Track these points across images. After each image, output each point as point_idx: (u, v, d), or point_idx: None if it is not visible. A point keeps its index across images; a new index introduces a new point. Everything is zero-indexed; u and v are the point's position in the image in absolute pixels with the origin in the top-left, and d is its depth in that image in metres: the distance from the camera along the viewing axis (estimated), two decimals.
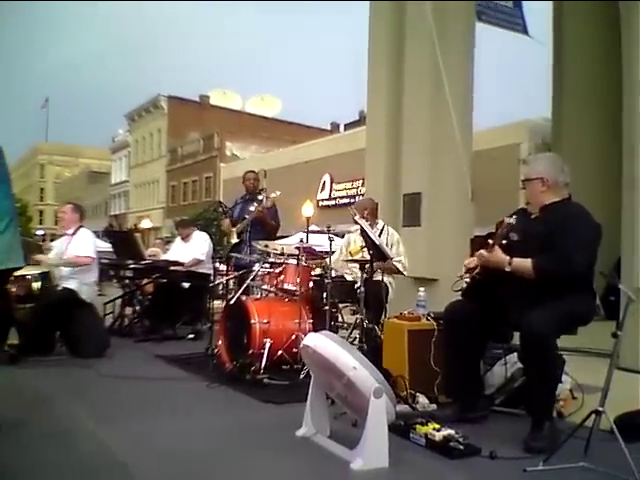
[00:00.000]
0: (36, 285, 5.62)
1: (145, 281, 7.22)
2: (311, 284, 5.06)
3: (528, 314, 3.05)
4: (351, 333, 5.00)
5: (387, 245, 5.33)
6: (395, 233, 5.77)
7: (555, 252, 3.15)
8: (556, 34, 9.96)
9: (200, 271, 7.07)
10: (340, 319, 5.36)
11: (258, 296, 5.53)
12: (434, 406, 3.75)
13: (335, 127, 42.57)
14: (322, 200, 26.78)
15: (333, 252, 5.09)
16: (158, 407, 3.91)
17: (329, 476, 2.80)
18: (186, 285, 7.05)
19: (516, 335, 3.35)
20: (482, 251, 3.36)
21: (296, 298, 4.94)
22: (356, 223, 4.87)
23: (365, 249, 4.71)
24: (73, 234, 5.73)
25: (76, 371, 4.91)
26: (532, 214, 3.47)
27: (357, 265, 4.89)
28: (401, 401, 3.61)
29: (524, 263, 3.19)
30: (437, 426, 3.10)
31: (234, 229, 6.75)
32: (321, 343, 3.04)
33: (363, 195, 11.68)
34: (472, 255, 3.59)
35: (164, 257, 7.91)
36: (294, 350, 4.60)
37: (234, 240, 6.71)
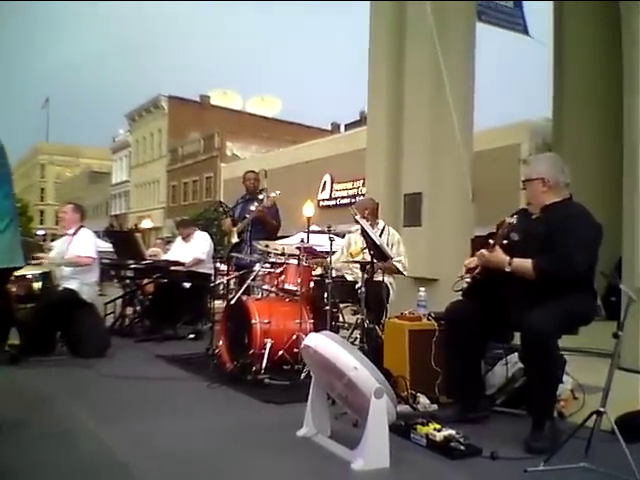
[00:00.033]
0: (37, 285, 5.62)
1: (146, 281, 7.22)
2: (312, 284, 5.06)
3: (529, 314, 3.05)
4: (352, 333, 5.00)
5: (388, 245, 5.33)
6: (396, 233, 5.77)
7: (556, 252, 3.15)
8: (557, 34, 9.95)
9: (201, 271, 7.08)
10: (341, 319, 5.35)
11: (259, 296, 5.53)
12: (435, 406, 3.75)
13: (335, 127, 42.56)
14: (323, 200, 26.78)
15: (334, 252, 5.09)
16: (159, 407, 3.91)
17: (330, 476, 2.80)
18: (187, 285, 7.05)
19: (517, 335, 3.35)
20: (482, 251, 3.36)
21: (297, 298, 4.93)
22: (357, 223, 4.87)
23: (366, 251, 4.70)
24: (74, 234, 5.73)
25: (77, 371, 4.91)
26: (533, 214, 3.47)
27: (358, 265, 4.89)
28: (402, 401, 3.61)
29: (524, 263, 3.19)
30: (438, 426, 3.10)
31: (235, 229, 6.75)
32: (322, 343, 3.04)
33: (364, 195, 11.68)
34: (473, 255, 3.59)
35: (165, 257, 7.91)
36: (295, 350, 4.60)
37: (235, 240, 6.71)
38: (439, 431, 3.05)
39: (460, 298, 3.60)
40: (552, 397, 3.22)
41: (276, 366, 4.62)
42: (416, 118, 7.65)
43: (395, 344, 4.08)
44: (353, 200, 20.20)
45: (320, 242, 7.62)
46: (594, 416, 2.82)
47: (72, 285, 5.51)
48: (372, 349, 4.25)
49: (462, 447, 2.94)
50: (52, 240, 15.74)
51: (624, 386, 3.42)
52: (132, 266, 7.00)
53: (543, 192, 3.41)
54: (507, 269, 3.22)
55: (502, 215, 3.34)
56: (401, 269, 5.39)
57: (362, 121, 26.31)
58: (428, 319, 4.08)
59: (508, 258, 3.24)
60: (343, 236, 6.11)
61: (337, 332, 4.82)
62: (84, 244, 5.64)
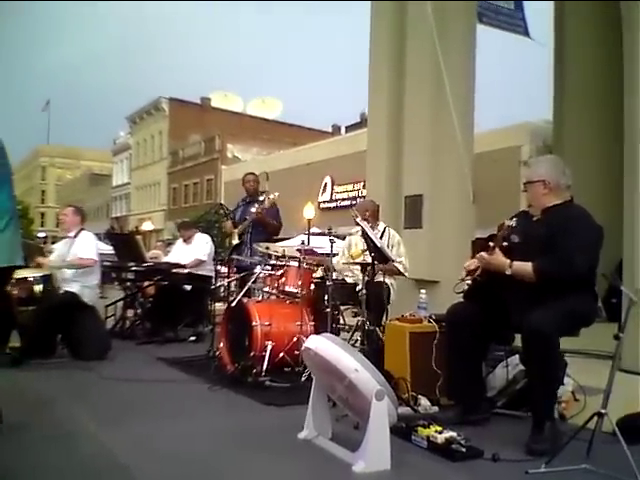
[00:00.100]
0: (38, 288, 5.61)
1: (146, 283, 7.22)
2: (312, 286, 5.06)
3: (529, 314, 3.05)
4: (352, 335, 4.99)
5: (388, 246, 5.33)
6: (396, 234, 5.77)
7: (556, 254, 3.16)
8: (557, 35, 9.94)
9: (201, 273, 7.08)
10: (341, 321, 5.35)
11: (259, 298, 5.52)
12: (436, 408, 3.75)
13: (336, 129, 42.63)
14: (323, 202, 26.78)
15: (335, 254, 5.09)
16: (160, 410, 3.91)
17: (331, 479, 2.80)
18: (187, 287, 7.05)
19: (517, 337, 3.35)
20: (483, 253, 3.36)
21: (297, 300, 4.93)
22: (357, 225, 4.87)
23: (366, 253, 4.70)
24: (75, 237, 5.74)
25: (78, 374, 4.91)
26: (534, 216, 3.47)
27: (358, 267, 4.89)
28: (403, 403, 3.61)
29: (525, 266, 3.19)
30: (439, 428, 3.10)
31: (236, 231, 6.76)
32: (322, 345, 3.04)
33: (364, 197, 11.68)
34: (473, 257, 3.58)
35: (165, 259, 7.92)
36: (296, 352, 4.60)
37: (235, 242, 6.72)
38: (440, 433, 3.05)
39: (461, 300, 3.60)
40: (553, 398, 3.22)
41: (277, 368, 4.61)
42: (417, 118, 7.66)
43: (396, 346, 4.08)
44: (354, 202, 20.20)
45: (321, 244, 7.63)
46: (595, 418, 2.82)
47: (73, 288, 5.51)
48: (373, 351, 4.25)
49: (463, 449, 2.94)
50: (53, 242, 15.76)
51: (625, 388, 3.42)
52: (133, 268, 7.00)
53: (544, 194, 3.41)
54: (507, 272, 3.23)
55: (503, 217, 3.34)
56: (402, 270, 5.40)
57: (363, 123, 26.30)
58: (429, 321, 4.07)
59: (508, 261, 3.24)
60: (344, 238, 6.11)
61: (338, 334, 4.82)
62: (85, 246, 5.64)
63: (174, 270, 6.99)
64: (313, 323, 4.87)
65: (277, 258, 5.29)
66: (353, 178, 23.69)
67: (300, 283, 4.89)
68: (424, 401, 3.79)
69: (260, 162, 29.32)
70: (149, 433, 3.31)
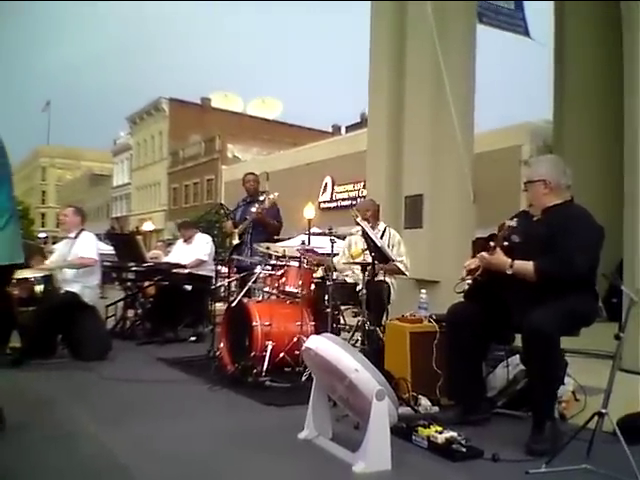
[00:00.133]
0: (39, 288, 5.61)
1: (147, 284, 7.23)
2: (313, 286, 5.06)
3: (530, 313, 3.05)
4: (353, 335, 5.00)
5: (389, 246, 5.33)
6: (396, 234, 5.77)
7: (557, 254, 3.15)
8: (557, 35, 9.94)
9: (202, 273, 7.08)
10: (342, 321, 5.35)
11: (260, 298, 5.53)
12: (436, 408, 3.75)
13: (336, 129, 42.64)
14: (323, 202, 26.80)
15: (335, 254, 5.09)
16: (160, 410, 3.91)
17: (331, 479, 2.80)
18: (188, 287, 7.04)
19: (518, 337, 3.35)
20: (484, 253, 3.35)
21: (298, 300, 4.93)
22: (358, 225, 4.87)
23: (367, 252, 4.71)
24: (75, 237, 5.74)
25: (78, 374, 4.91)
26: (534, 216, 3.47)
27: (359, 267, 4.89)
28: (403, 403, 3.61)
29: (525, 266, 3.19)
30: (439, 428, 3.10)
31: (236, 230, 6.76)
32: (323, 345, 3.04)
33: (364, 197, 11.69)
34: (474, 257, 3.58)
35: (166, 259, 7.92)
36: (296, 352, 4.60)
37: (235, 242, 6.72)
38: (440, 433, 3.05)
39: (461, 300, 3.60)
40: (553, 398, 3.22)
41: (277, 368, 4.61)
42: (417, 118, 7.65)
43: (396, 346, 4.08)
44: (354, 202, 20.22)
45: (321, 244, 7.63)
46: (596, 418, 2.82)
47: (74, 288, 5.51)
48: (373, 351, 4.25)
49: (463, 449, 2.93)
50: (53, 243, 15.76)
51: (625, 387, 3.42)
52: (133, 269, 7.00)
53: (544, 194, 3.41)
54: (508, 271, 3.22)
55: (503, 217, 3.34)
56: (403, 269, 5.39)
57: (363, 123, 26.30)
58: (429, 321, 4.07)
59: (509, 260, 3.24)
60: (344, 238, 6.11)
61: (338, 334, 4.82)
62: (86, 246, 5.64)
63: (174, 270, 6.99)
64: (313, 323, 4.88)
65: (277, 258, 5.29)
66: (353, 178, 23.71)
67: (300, 283, 4.89)
68: (424, 401, 3.78)
69: (260, 162, 29.32)
70: (149, 433, 3.31)
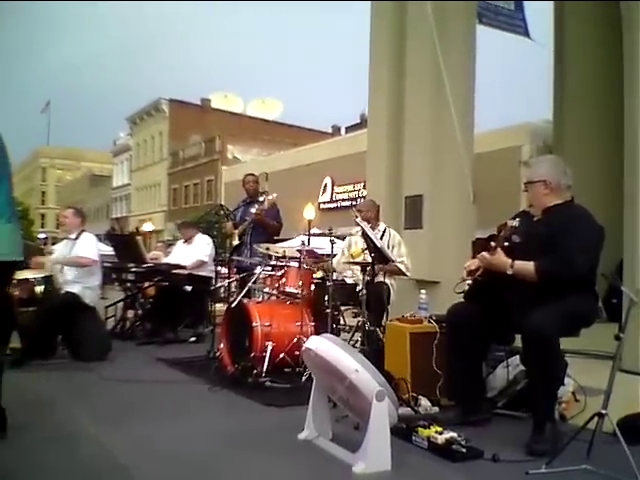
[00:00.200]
0: (39, 288, 5.62)
1: (147, 284, 7.23)
2: (313, 287, 5.06)
3: (530, 314, 3.05)
4: (353, 336, 4.99)
5: (389, 247, 5.33)
6: (397, 235, 5.78)
7: (557, 254, 3.15)
8: (557, 35, 9.94)
9: (202, 274, 7.07)
10: (342, 322, 5.35)
11: (260, 299, 5.53)
12: (436, 409, 3.75)
13: (336, 130, 42.60)
14: (323, 203, 26.76)
15: (335, 255, 5.09)
16: (160, 410, 3.91)
17: (331, 479, 2.79)
18: (188, 288, 7.04)
19: (518, 337, 3.34)
20: (484, 253, 3.35)
21: (298, 301, 4.93)
22: (358, 225, 4.87)
23: (366, 251, 4.71)
24: (76, 238, 5.74)
25: (78, 374, 4.91)
26: (534, 216, 3.47)
27: (359, 267, 4.89)
28: (403, 404, 3.61)
29: (526, 266, 3.19)
30: (439, 429, 3.10)
31: (236, 231, 6.77)
32: (323, 346, 3.04)
33: (364, 197, 11.69)
34: (474, 257, 3.58)
35: (166, 260, 7.91)
36: (296, 353, 4.60)
37: (235, 242, 6.72)
38: (440, 434, 3.05)
39: (461, 300, 3.60)
40: (553, 398, 3.22)
41: (277, 369, 4.61)
42: (417, 118, 7.66)
43: (396, 347, 4.08)
44: (354, 203, 20.22)
45: (321, 245, 7.63)
46: (596, 418, 2.82)
47: (74, 289, 5.51)
48: (373, 352, 4.25)
49: (463, 450, 2.93)
50: (53, 244, 15.75)
51: (625, 388, 3.41)
52: (133, 269, 7.01)
53: (545, 194, 3.41)
54: (509, 272, 3.22)
55: (503, 217, 3.34)
56: (404, 270, 5.39)
57: (363, 124, 26.30)
58: (429, 322, 4.07)
59: (510, 261, 3.23)
60: (344, 239, 6.12)
61: (338, 335, 4.82)
62: (86, 247, 5.64)
63: (174, 271, 6.99)
64: (313, 324, 4.87)
65: (277, 259, 5.29)
66: (353, 179, 23.69)
67: (300, 284, 4.89)
68: (424, 402, 3.78)
69: (260, 163, 29.32)
70: (149, 434, 3.31)
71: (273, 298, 5.34)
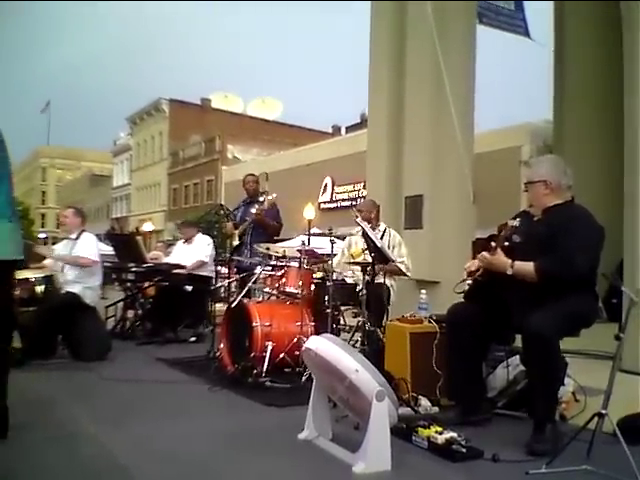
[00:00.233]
0: (40, 288, 5.62)
1: (147, 284, 7.23)
2: (313, 287, 5.06)
3: (530, 315, 3.05)
4: (353, 336, 4.99)
5: (389, 247, 5.33)
6: (397, 235, 5.78)
7: (557, 254, 3.15)
8: (557, 35, 9.95)
9: (202, 274, 7.08)
10: (342, 322, 5.35)
11: (260, 299, 5.53)
12: (436, 409, 3.75)
13: (336, 130, 42.60)
14: (324, 203, 26.76)
15: (335, 255, 5.09)
16: (160, 410, 3.91)
17: (331, 479, 2.79)
18: (188, 288, 7.04)
19: (518, 337, 3.35)
20: (484, 253, 3.35)
21: (298, 301, 4.93)
22: (358, 225, 4.87)
23: (367, 251, 4.71)
24: (76, 238, 5.74)
25: (78, 374, 4.91)
26: (534, 216, 3.47)
27: (359, 267, 4.89)
28: (403, 404, 3.61)
29: (526, 266, 3.19)
30: (439, 429, 3.10)
31: (236, 231, 6.77)
32: (323, 346, 3.04)
33: (364, 197, 11.69)
34: (474, 258, 3.58)
35: (166, 260, 7.92)
36: (296, 353, 4.59)
37: (235, 242, 6.72)
38: (440, 434, 3.05)
39: (461, 300, 3.59)
40: (554, 399, 3.22)
41: (277, 369, 4.61)
42: (417, 118, 7.66)
43: (396, 347, 4.08)
44: (354, 203, 20.21)
45: (321, 245, 7.63)
46: (596, 418, 2.82)
47: (75, 289, 5.51)
48: (373, 352, 4.25)
49: (463, 450, 2.93)
50: (53, 243, 15.74)
51: (625, 388, 3.41)
52: (133, 269, 7.01)
53: (545, 194, 3.41)
54: (509, 272, 3.22)
55: (503, 217, 3.34)
56: (404, 270, 5.39)
57: (363, 124, 26.29)
58: (429, 322, 4.07)
59: (510, 261, 3.23)
60: (344, 239, 6.11)
61: (338, 335, 4.82)
62: (87, 247, 5.64)
63: (174, 271, 6.99)
64: (313, 324, 4.87)
65: (277, 259, 5.29)
66: (353, 179, 23.69)
67: (300, 284, 4.89)
68: (424, 402, 3.78)
69: (260, 163, 29.32)
70: (149, 433, 3.31)
71: (273, 298, 5.34)
